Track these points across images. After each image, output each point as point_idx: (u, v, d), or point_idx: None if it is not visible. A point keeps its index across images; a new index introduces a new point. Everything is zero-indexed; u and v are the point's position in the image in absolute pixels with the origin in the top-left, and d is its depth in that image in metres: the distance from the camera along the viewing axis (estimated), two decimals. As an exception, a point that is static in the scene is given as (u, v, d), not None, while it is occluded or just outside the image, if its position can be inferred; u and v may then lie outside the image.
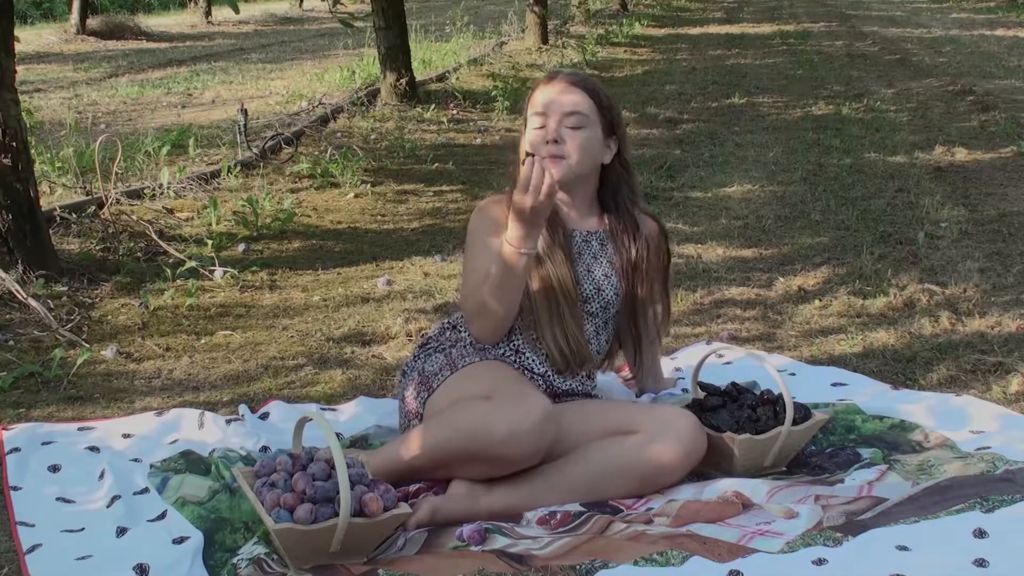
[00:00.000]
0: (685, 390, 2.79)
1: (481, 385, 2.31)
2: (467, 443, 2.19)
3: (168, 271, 3.96)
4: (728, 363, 3.08)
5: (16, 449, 2.53)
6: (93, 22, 14.41)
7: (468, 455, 2.21)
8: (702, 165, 5.98)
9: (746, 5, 18.65)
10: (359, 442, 2.60)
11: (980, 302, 3.56)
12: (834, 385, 2.89)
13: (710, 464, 2.41)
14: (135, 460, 2.49)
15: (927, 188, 5.27)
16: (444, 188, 5.56)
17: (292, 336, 3.43)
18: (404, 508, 2.07)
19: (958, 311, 3.48)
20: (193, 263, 3.95)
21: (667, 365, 3.05)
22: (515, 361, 2.46)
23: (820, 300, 3.64)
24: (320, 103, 7.63)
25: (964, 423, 2.61)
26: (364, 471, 2.10)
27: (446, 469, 2.28)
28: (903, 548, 1.96)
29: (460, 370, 2.39)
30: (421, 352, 2.52)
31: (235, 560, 2.04)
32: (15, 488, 2.37)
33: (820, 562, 1.94)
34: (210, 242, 4.23)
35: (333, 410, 2.83)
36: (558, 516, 2.21)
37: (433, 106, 7.71)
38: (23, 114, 3.92)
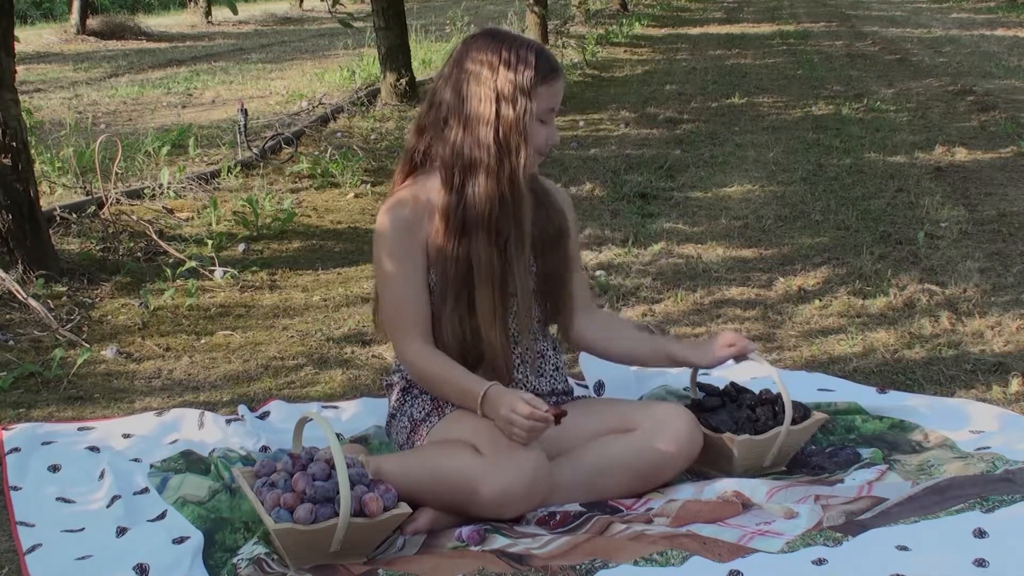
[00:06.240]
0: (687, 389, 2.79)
1: (469, 433, 2.23)
2: (455, 500, 2.18)
3: (168, 271, 3.96)
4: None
5: (16, 449, 2.53)
6: (93, 22, 14.37)
7: (459, 509, 2.19)
8: (702, 165, 5.98)
9: (746, 5, 18.64)
10: (359, 442, 2.59)
11: (980, 302, 3.56)
12: (820, 391, 2.84)
13: (710, 464, 2.41)
14: (135, 460, 2.49)
15: (927, 188, 5.27)
16: (444, 188, 5.55)
17: (292, 336, 3.43)
18: (404, 508, 2.07)
19: (958, 311, 3.48)
20: (193, 263, 3.95)
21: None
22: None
23: (820, 300, 3.64)
24: (320, 103, 7.62)
25: (964, 423, 2.61)
26: (364, 471, 2.10)
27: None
28: (903, 548, 1.96)
29: (447, 415, 2.31)
30: (406, 396, 2.41)
31: (235, 560, 2.04)
32: (15, 488, 2.37)
33: (820, 562, 1.94)
34: (210, 242, 4.23)
35: (335, 407, 2.83)
36: (558, 516, 2.21)
37: (433, 106, 7.69)
38: (23, 114, 3.91)
